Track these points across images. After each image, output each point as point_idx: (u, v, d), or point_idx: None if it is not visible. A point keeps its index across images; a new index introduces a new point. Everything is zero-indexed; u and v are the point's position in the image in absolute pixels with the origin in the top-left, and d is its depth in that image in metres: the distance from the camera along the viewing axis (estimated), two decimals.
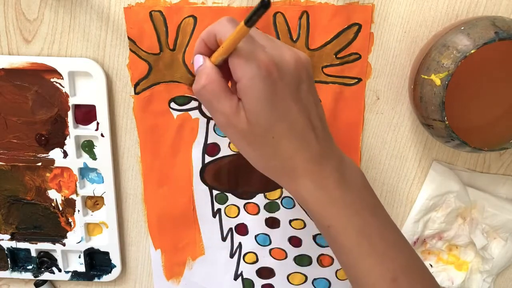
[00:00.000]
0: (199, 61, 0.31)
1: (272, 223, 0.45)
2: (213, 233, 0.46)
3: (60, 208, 0.45)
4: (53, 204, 0.45)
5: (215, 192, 0.45)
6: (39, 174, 0.44)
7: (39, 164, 0.43)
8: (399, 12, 0.39)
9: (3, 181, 0.45)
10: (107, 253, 0.46)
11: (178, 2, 0.38)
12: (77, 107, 0.42)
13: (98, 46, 0.40)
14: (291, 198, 0.44)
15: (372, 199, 0.33)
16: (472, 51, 0.32)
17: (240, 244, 0.46)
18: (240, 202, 0.45)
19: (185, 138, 0.43)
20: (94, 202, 0.46)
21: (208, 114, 0.42)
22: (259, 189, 0.44)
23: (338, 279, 0.47)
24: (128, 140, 0.43)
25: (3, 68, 0.40)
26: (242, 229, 0.46)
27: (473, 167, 0.43)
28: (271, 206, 0.45)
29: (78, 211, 0.45)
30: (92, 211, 0.46)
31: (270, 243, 0.46)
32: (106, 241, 0.46)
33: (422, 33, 0.39)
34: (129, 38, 0.40)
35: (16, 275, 0.47)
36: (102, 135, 0.42)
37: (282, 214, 0.45)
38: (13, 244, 0.46)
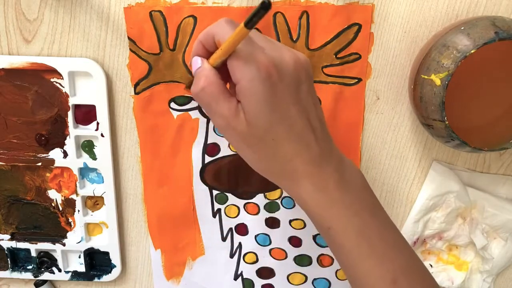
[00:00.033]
0: (197, 63, 0.31)
1: (272, 223, 0.45)
2: (213, 233, 0.46)
3: (60, 208, 0.45)
4: (53, 204, 0.45)
5: (215, 192, 0.45)
6: (39, 174, 0.44)
7: (39, 164, 0.43)
8: (399, 12, 0.39)
9: (3, 181, 0.45)
10: (107, 253, 0.46)
11: (178, 2, 0.38)
12: (77, 107, 0.42)
13: (98, 46, 0.40)
14: (291, 198, 0.44)
15: (371, 200, 0.33)
16: (472, 51, 0.32)
17: (240, 244, 0.46)
18: (240, 202, 0.45)
19: (185, 138, 0.43)
20: (94, 202, 0.46)
21: None
22: (259, 189, 0.44)
23: (338, 279, 0.47)
24: (128, 140, 0.43)
25: (3, 68, 0.40)
26: (242, 229, 0.46)
27: (473, 167, 0.43)
28: (271, 206, 0.45)
29: (78, 211, 0.45)
30: (92, 211, 0.46)
31: (270, 243, 0.46)
32: (106, 241, 0.46)
33: (422, 33, 0.39)
34: (129, 38, 0.40)
35: (16, 275, 0.47)
36: (102, 135, 0.42)
37: (282, 214, 0.45)
38: (13, 244, 0.46)
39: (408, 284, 0.31)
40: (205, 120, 0.42)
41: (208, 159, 0.43)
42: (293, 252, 0.46)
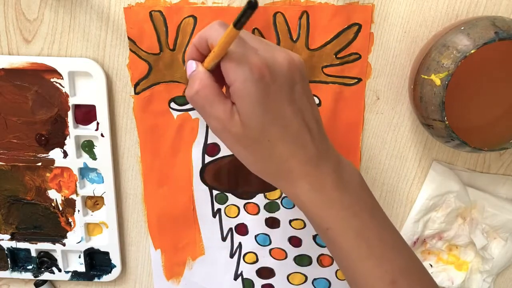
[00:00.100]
0: (192, 66, 0.31)
1: (272, 223, 0.45)
2: (213, 233, 0.46)
3: (60, 208, 0.45)
4: (53, 204, 0.45)
5: (215, 192, 0.45)
6: (39, 174, 0.44)
7: (39, 164, 0.43)
8: (399, 12, 0.39)
9: (3, 181, 0.45)
10: (107, 253, 0.46)
11: (178, 2, 0.38)
12: (77, 107, 0.42)
13: (98, 46, 0.40)
14: None
15: (370, 200, 0.33)
16: (472, 51, 0.32)
17: (240, 244, 0.46)
18: (240, 202, 0.45)
19: (185, 138, 0.43)
20: (94, 202, 0.46)
21: None
22: (259, 189, 0.44)
23: (338, 279, 0.47)
24: (128, 140, 0.43)
25: (3, 68, 0.40)
26: (242, 229, 0.46)
27: (473, 167, 0.43)
28: (271, 206, 0.45)
29: (78, 211, 0.45)
30: (92, 211, 0.46)
31: (270, 243, 0.46)
32: (106, 241, 0.46)
33: (422, 33, 0.39)
34: (129, 38, 0.40)
35: (16, 275, 0.47)
36: (102, 135, 0.42)
37: (282, 214, 0.45)
38: (13, 244, 0.46)
39: (407, 284, 0.31)
40: None
41: (208, 159, 0.43)
42: (293, 252, 0.46)
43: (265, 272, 0.47)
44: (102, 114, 0.41)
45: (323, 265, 0.46)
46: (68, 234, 0.46)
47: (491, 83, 0.37)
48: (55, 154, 0.43)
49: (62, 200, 0.45)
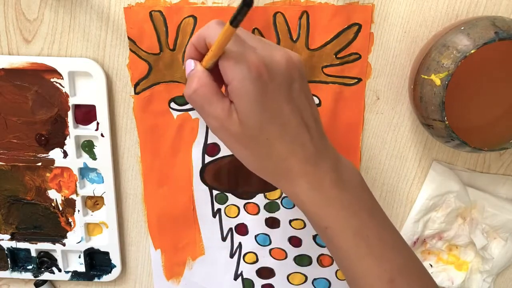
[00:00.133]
0: (190, 66, 0.31)
1: (272, 223, 0.45)
2: (213, 233, 0.46)
3: (60, 208, 0.45)
4: (53, 204, 0.45)
5: (215, 192, 0.45)
6: (39, 174, 0.44)
7: (39, 164, 0.43)
8: (399, 12, 0.39)
9: (3, 181, 0.45)
10: (107, 253, 0.46)
11: (178, 2, 0.38)
12: (77, 107, 0.42)
13: (98, 46, 0.40)
14: None
15: (369, 199, 0.33)
16: (472, 51, 0.32)
17: (240, 244, 0.46)
18: (240, 202, 0.45)
19: (185, 138, 0.43)
20: (94, 202, 0.46)
21: None
22: (259, 189, 0.44)
23: (338, 279, 0.47)
24: (128, 140, 0.43)
25: (3, 68, 0.40)
26: (242, 229, 0.46)
27: (473, 167, 0.43)
28: (271, 206, 0.45)
29: (78, 211, 0.45)
30: (92, 211, 0.46)
31: (270, 243, 0.46)
32: (106, 241, 0.46)
33: (422, 33, 0.39)
34: (129, 38, 0.40)
35: (16, 275, 0.47)
36: (102, 135, 0.42)
37: (282, 214, 0.45)
38: (13, 244, 0.46)
39: (406, 284, 0.31)
40: None
41: (208, 159, 0.43)
42: (293, 252, 0.46)
43: (265, 272, 0.47)
44: (102, 114, 0.41)
45: (323, 265, 0.46)
46: (68, 234, 0.46)
47: (491, 83, 0.37)
48: (55, 154, 0.43)
49: (62, 200, 0.45)
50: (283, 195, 0.44)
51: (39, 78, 0.41)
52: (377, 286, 0.31)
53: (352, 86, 0.41)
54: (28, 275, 0.47)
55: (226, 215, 0.45)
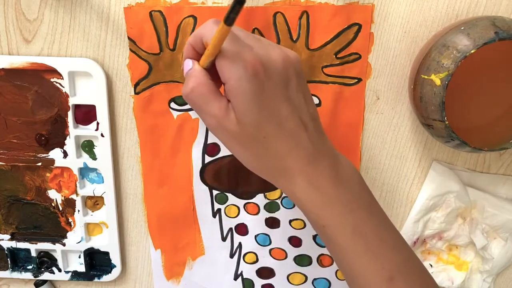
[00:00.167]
0: (188, 65, 0.31)
1: (272, 223, 0.45)
2: (213, 233, 0.46)
3: (60, 208, 0.45)
4: (53, 204, 0.45)
5: (215, 192, 0.45)
6: (39, 174, 0.44)
7: (39, 164, 0.43)
8: (399, 12, 0.39)
9: (3, 181, 0.45)
10: (107, 253, 0.46)
11: (178, 2, 0.38)
12: (77, 107, 0.42)
13: (98, 46, 0.40)
14: None
15: (368, 197, 0.33)
16: (472, 51, 0.32)
17: (240, 244, 0.46)
18: (240, 202, 0.45)
19: (185, 138, 0.43)
20: (94, 202, 0.46)
21: None
22: (259, 189, 0.44)
23: (338, 279, 0.47)
24: (128, 140, 0.43)
25: (3, 68, 0.40)
26: (242, 229, 0.46)
27: (473, 167, 0.43)
28: (271, 206, 0.45)
29: (78, 211, 0.45)
30: (92, 211, 0.46)
31: (270, 243, 0.46)
32: (106, 241, 0.46)
33: (422, 33, 0.39)
34: (129, 38, 0.40)
35: (16, 275, 0.47)
36: (102, 135, 0.42)
37: (282, 214, 0.45)
38: (13, 244, 0.46)
39: (405, 282, 0.31)
40: None
41: (208, 159, 0.43)
42: (293, 252, 0.46)
43: (265, 272, 0.47)
44: (102, 114, 0.41)
45: (323, 265, 0.46)
46: (68, 234, 0.46)
47: (491, 83, 0.37)
48: (55, 154, 0.43)
49: (62, 200, 0.45)
50: (283, 195, 0.44)
51: (39, 78, 0.41)
52: (375, 284, 0.30)
53: (352, 86, 0.41)
54: (28, 275, 0.47)
55: (226, 215, 0.45)
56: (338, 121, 0.42)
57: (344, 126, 0.42)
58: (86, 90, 0.41)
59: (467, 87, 0.37)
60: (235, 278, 0.48)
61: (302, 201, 0.31)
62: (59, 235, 0.46)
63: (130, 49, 0.40)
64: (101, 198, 0.45)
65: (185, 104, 0.42)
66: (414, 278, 0.32)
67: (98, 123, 0.42)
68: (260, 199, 0.44)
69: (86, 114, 0.42)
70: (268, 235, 0.46)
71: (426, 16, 0.39)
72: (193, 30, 0.39)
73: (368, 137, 0.42)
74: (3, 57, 0.40)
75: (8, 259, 0.47)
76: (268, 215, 0.45)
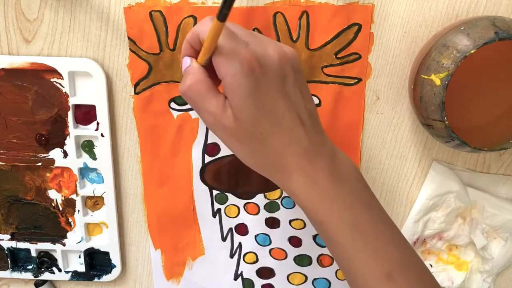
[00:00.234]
0: (186, 62, 0.31)
1: (272, 223, 0.45)
2: (213, 233, 0.46)
3: (60, 208, 0.45)
4: (53, 204, 0.45)
5: (215, 192, 0.45)
6: (39, 174, 0.44)
7: (39, 164, 0.43)
8: (399, 12, 0.39)
9: (3, 181, 0.45)
10: (107, 253, 0.46)
11: (178, 2, 0.38)
12: (77, 107, 0.42)
13: (98, 46, 0.40)
14: (291, 198, 0.44)
15: (366, 193, 0.33)
16: (472, 51, 0.32)
17: (240, 244, 0.46)
18: (240, 202, 0.45)
19: (185, 138, 0.43)
20: (94, 202, 0.46)
21: None
22: (259, 189, 0.44)
23: (338, 279, 0.47)
24: (128, 140, 0.43)
25: (3, 68, 0.40)
26: (242, 229, 0.46)
27: (473, 167, 0.43)
28: (271, 206, 0.45)
29: (78, 211, 0.45)
30: (92, 211, 0.46)
31: (270, 243, 0.46)
32: (106, 241, 0.46)
33: (422, 33, 0.39)
34: (129, 38, 0.40)
35: (16, 275, 0.47)
36: (102, 135, 0.42)
37: (282, 214, 0.45)
38: (13, 244, 0.46)
39: (404, 279, 0.31)
40: None
41: (208, 159, 0.43)
42: (293, 252, 0.46)
43: (265, 272, 0.47)
44: (102, 114, 0.41)
45: (323, 265, 0.46)
46: (68, 234, 0.46)
47: (491, 83, 0.37)
48: (55, 154, 0.43)
49: (62, 200, 0.45)
50: (283, 195, 0.44)
51: (39, 78, 0.41)
52: (374, 280, 0.30)
53: (352, 86, 0.41)
54: (28, 275, 0.47)
55: (226, 215, 0.45)
56: (338, 121, 0.42)
57: (344, 126, 0.42)
58: (86, 90, 0.41)
59: (467, 87, 0.37)
60: (235, 278, 0.48)
61: (300, 197, 0.31)
62: (59, 235, 0.46)
63: (130, 49, 0.40)
64: (101, 198, 0.45)
65: (185, 104, 0.42)
66: (414, 274, 0.31)
67: (98, 123, 0.42)
68: (260, 199, 0.44)
69: (86, 114, 0.42)
70: (268, 235, 0.46)
71: (426, 16, 0.39)
72: None
73: (368, 137, 0.42)
74: (3, 57, 0.40)
75: (8, 259, 0.47)
76: (268, 215, 0.45)
